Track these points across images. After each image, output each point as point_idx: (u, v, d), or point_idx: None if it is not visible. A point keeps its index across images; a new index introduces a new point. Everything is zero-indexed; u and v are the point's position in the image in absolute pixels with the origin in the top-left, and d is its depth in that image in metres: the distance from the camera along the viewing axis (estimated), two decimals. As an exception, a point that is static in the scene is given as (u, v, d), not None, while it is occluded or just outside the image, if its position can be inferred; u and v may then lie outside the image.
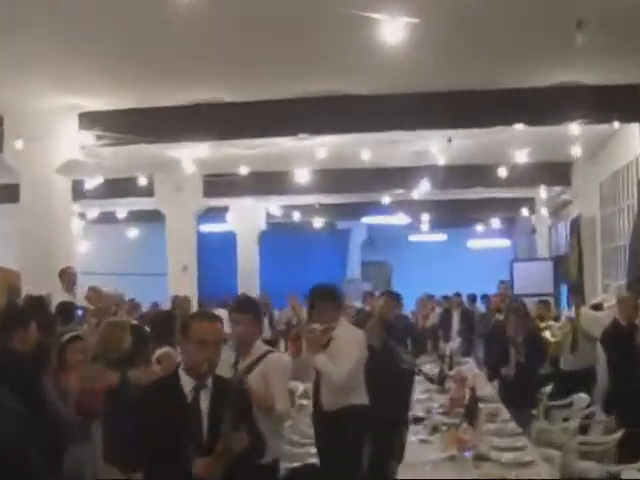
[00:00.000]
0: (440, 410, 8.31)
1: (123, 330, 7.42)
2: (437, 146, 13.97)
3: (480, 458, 5.91)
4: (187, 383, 4.57)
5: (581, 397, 10.38)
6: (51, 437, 5.55)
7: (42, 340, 6.78)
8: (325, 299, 7.35)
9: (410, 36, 8.31)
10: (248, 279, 22.45)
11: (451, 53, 10.05)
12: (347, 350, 7.10)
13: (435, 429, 7.15)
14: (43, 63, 10.26)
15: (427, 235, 28.27)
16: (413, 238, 28.81)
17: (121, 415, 5.52)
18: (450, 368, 11.66)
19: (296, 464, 7.18)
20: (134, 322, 9.44)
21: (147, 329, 8.44)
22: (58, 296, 11.54)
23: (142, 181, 17.28)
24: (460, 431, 6.23)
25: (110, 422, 6.51)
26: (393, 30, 8.12)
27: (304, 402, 10.78)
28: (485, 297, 19.06)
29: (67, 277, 12.00)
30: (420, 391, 10.16)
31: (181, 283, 17.77)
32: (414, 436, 7.14)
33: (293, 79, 11.29)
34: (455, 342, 16.07)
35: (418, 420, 7.85)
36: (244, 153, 15.03)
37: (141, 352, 7.36)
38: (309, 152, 13.95)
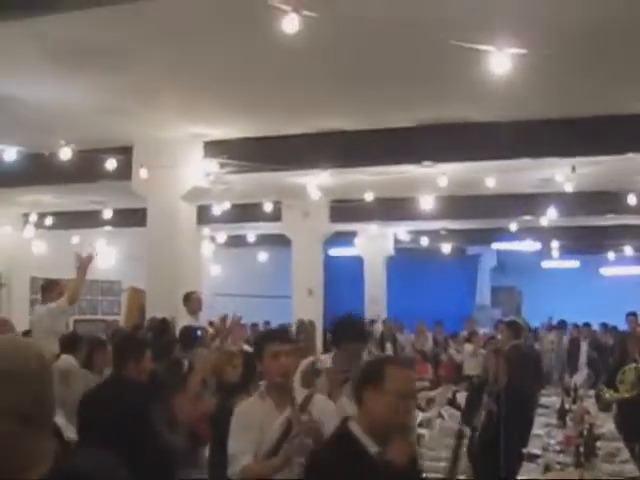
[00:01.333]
0: (557, 448, 8.05)
1: (235, 359, 7.52)
2: (563, 173, 13.67)
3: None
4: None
5: None
6: (160, 464, 5.64)
7: (155, 368, 6.91)
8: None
9: (532, 63, 8.20)
10: (375, 304, 22.46)
11: (577, 79, 9.84)
12: None
13: (548, 468, 6.93)
14: (169, 94, 10.55)
15: (559, 262, 27.71)
16: (546, 265, 28.30)
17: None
18: (574, 402, 11.31)
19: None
20: (246, 349, 9.55)
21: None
22: (182, 319, 11.79)
23: (269, 206, 17.50)
24: (567, 473, 6.04)
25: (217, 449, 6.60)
26: (508, 60, 8.02)
27: (423, 432, 10.69)
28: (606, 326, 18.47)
29: (192, 302, 12.10)
30: (540, 425, 9.89)
31: (306, 307, 17.88)
32: (526, 474, 6.94)
33: (414, 107, 11.27)
34: (582, 374, 15.64)
35: (533, 457, 7.62)
36: (369, 179, 15.07)
37: (251, 380, 7.44)
38: (432, 179, 13.87)
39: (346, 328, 6.39)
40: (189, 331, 10.49)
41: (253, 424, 4.57)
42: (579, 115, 11.40)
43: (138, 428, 5.63)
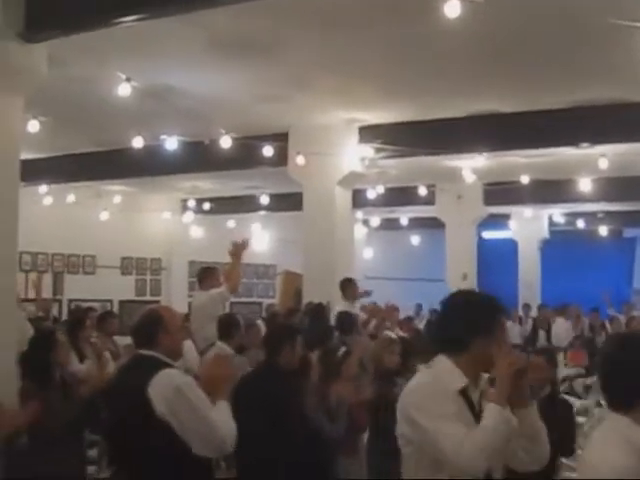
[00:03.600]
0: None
1: (393, 345, 7.56)
2: None
3: None
4: None
5: None
6: (315, 450, 5.72)
7: (306, 354, 6.99)
8: None
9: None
10: (529, 288, 22.14)
11: None
12: None
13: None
14: (324, 81, 10.62)
15: None
16: None
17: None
18: None
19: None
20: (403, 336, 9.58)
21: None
22: (337, 305, 11.88)
23: (422, 190, 17.46)
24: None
25: (375, 436, 6.66)
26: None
27: (581, 420, 10.50)
28: None
29: (350, 288, 12.09)
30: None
31: (461, 290, 17.73)
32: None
33: (571, 88, 11.02)
34: None
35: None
36: (525, 162, 14.86)
37: (408, 365, 7.48)
38: (590, 161, 13.54)
39: None
40: (347, 316, 10.55)
41: None
42: None
43: (291, 415, 5.71)
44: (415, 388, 3.78)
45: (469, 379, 3.70)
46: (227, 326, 9.03)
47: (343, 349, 7.31)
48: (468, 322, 3.72)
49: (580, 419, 10.49)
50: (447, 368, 3.72)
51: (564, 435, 5.36)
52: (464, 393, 3.68)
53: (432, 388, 3.68)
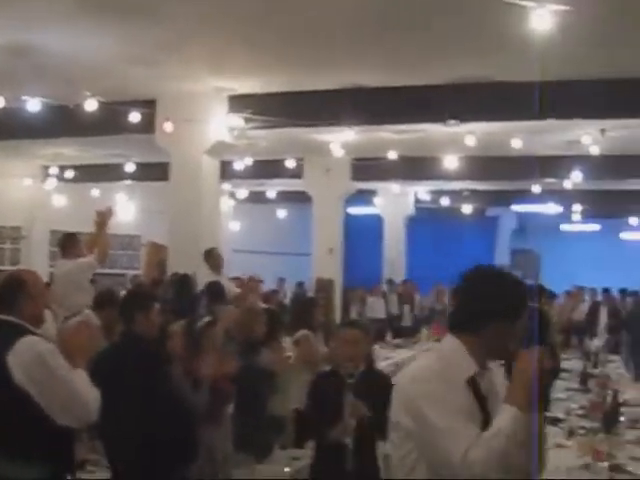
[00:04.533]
0: (580, 412, 8.01)
1: (259, 316, 7.48)
2: (590, 135, 13.51)
3: (616, 469, 5.66)
4: None
5: None
6: (179, 421, 5.58)
7: (165, 323, 6.82)
8: None
9: (564, 22, 8.07)
10: (394, 264, 22.40)
11: (609, 39, 9.68)
12: None
13: (572, 433, 6.89)
14: (194, 46, 10.43)
15: (579, 225, 27.51)
16: (565, 228, 28.12)
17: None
18: (595, 366, 11.30)
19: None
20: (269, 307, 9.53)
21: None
22: (204, 276, 11.76)
23: (291, 163, 17.38)
24: (596, 440, 5.99)
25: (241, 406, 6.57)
26: (544, 16, 7.90)
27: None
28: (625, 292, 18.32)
29: (213, 258, 12.03)
30: (561, 389, 9.86)
31: (326, 265, 17.81)
32: (551, 439, 6.90)
33: (443, 65, 11.13)
34: (601, 339, 15.55)
35: (556, 421, 7.60)
36: (393, 138, 14.96)
37: (273, 336, 7.43)
38: (458, 139, 13.73)
39: None
40: (216, 286, 10.44)
41: None
42: (609, 77, 11.23)
43: (152, 386, 5.55)
44: (424, 375, 3.31)
45: (478, 366, 3.32)
46: (105, 299, 8.77)
47: (206, 319, 7.14)
48: (491, 302, 3.33)
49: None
50: (457, 352, 3.32)
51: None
52: (473, 382, 3.28)
53: (444, 376, 3.25)
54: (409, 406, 3.24)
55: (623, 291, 19.63)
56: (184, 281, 11.43)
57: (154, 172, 17.19)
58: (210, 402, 6.42)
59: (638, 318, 16.32)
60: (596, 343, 13.59)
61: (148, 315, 6.07)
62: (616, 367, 12.39)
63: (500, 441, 3.05)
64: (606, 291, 18.41)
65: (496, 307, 3.31)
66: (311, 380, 6.35)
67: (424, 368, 3.37)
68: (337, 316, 17.11)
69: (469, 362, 3.29)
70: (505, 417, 3.09)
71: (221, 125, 12.66)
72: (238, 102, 12.69)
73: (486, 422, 3.20)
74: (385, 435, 4.49)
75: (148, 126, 12.74)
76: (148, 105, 12.69)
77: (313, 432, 5.90)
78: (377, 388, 5.34)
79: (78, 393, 4.11)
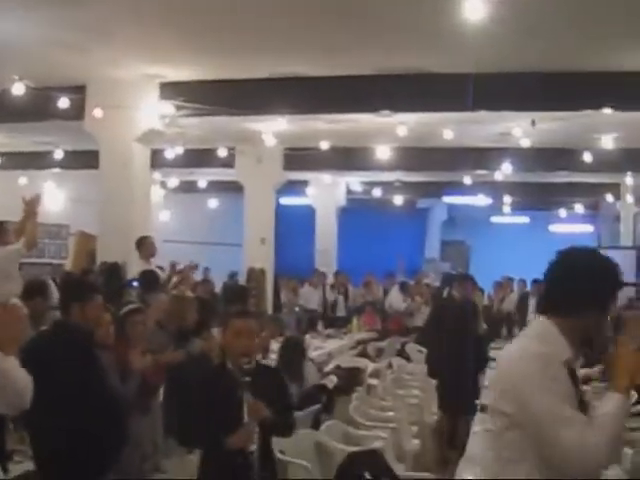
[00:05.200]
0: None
1: (190, 304, 7.42)
2: (521, 128, 13.64)
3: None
4: None
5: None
6: (108, 411, 5.49)
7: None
8: None
9: (497, 14, 8.12)
10: (325, 254, 22.40)
11: (538, 32, 9.76)
12: None
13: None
14: (126, 32, 10.29)
15: (509, 217, 27.83)
16: (495, 219, 28.42)
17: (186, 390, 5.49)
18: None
19: (358, 447, 7.03)
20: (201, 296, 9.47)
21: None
22: (134, 264, 11.64)
23: (223, 152, 17.24)
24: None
25: (172, 396, 6.50)
26: (477, 7, 7.94)
27: (373, 382, 10.69)
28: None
29: (146, 247, 11.87)
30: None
31: (258, 255, 17.73)
32: (480, 425, 6.95)
33: (376, 55, 11.14)
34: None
35: (486, 408, 7.65)
36: (325, 128, 14.93)
37: (205, 325, 7.36)
38: (390, 129, 13.75)
39: None
40: (150, 275, 10.35)
41: None
42: (539, 69, 11.37)
43: (80, 375, 5.44)
44: (526, 358, 3.16)
45: (572, 350, 3.22)
46: (31, 287, 8.60)
47: (131, 306, 7.02)
48: (591, 288, 3.22)
49: (373, 381, 10.72)
50: (554, 335, 3.20)
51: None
52: (569, 365, 3.19)
53: (546, 360, 3.12)
54: (513, 392, 3.14)
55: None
56: (113, 270, 11.33)
57: (83, 160, 16.92)
58: (139, 392, 6.34)
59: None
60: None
61: (85, 307, 5.91)
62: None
63: (614, 426, 3.02)
64: (536, 282, 18.54)
65: (596, 289, 3.23)
66: (200, 377, 5.59)
67: (527, 352, 3.21)
68: (269, 305, 17.11)
69: (564, 345, 3.20)
70: (614, 402, 3.05)
71: (152, 112, 12.52)
72: (169, 89, 12.56)
73: (581, 406, 3.16)
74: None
75: (77, 112, 12.54)
76: (78, 91, 12.48)
77: (202, 438, 5.05)
78: (272, 385, 5.17)
79: (12, 379, 4.01)
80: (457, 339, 9.98)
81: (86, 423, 5.28)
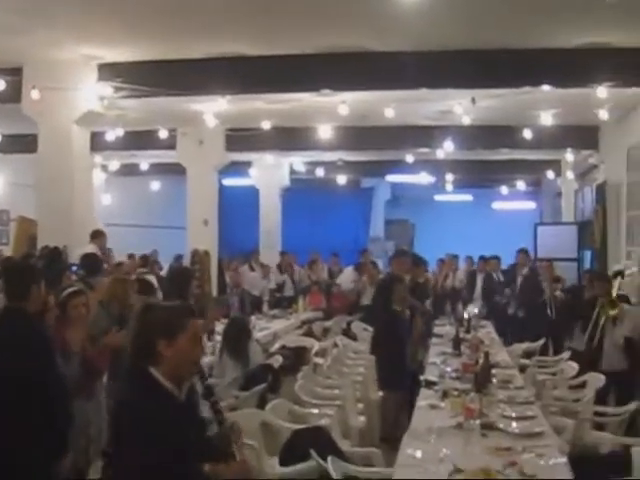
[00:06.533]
0: (453, 375, 8.22)
1: (130, 286, 7.37)
2: (462, 105, 13.70)
3: (488, 427, 5.79)
4: None
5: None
6: (52, 394, 5.43)
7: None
8: None
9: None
10: (270, 235, 22.37)
11: (477, 10, 9.84)
12: None
13: (446, 394, 7.05)
14: (62, 11, 10.13)
15: (452, 195, 28.02)
16: (438, 198, 28.61)
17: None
18: (467, 332, 11.58)
19: (304, 425, 7.06)
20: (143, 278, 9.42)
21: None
22: (75, 248, 11.57)
23: (164, 134, 17.09)
24: (468, 399, 6.11)
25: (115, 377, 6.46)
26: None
27: (319, 361, 10.72)
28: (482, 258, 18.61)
29: (101, 240, 12.24)
30: (436, 354, 10.07)
31: (201, 237, 17.63)
32: (424, 400, 7.04)
33: (316, 34, 11.12)
34: (477, 305, 15.88)
35: (430, 384, 7.75)
36: (267, 107, 14.85)
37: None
38: (332, 108, 13.74)
39: None
40: (92, 258, 10.32)
41: None
42: (479, 47, 11.45)
43: (27, 359, 5.38)
44: None
45: None
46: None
47: (70, 289, 6.95)
48: None
49: (319, 360, 10.77)
50: None
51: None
52: None
53: None
54: None
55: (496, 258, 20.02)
56: (54, 254, 11.26)
57: (22, 144, 16.68)
58: (82, 375, 6.31)
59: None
60: (469, 310, 13.90)
61: (40, 289, 5.82)
62: (488, 332, 12.69)
63: None
64: (482, 258, 18.71)
65: None
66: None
67: None
68: (213, 287, 17.04)
69: None
70: None
71: (90, 94, 12.37)
72: (108, 70, 12.42)
73: None
74: None
75: (14, 95, 12.34)
76: (14, 72, 12.28)
77: None
78: None
79: None
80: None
81: (39, 406, 5.25)
